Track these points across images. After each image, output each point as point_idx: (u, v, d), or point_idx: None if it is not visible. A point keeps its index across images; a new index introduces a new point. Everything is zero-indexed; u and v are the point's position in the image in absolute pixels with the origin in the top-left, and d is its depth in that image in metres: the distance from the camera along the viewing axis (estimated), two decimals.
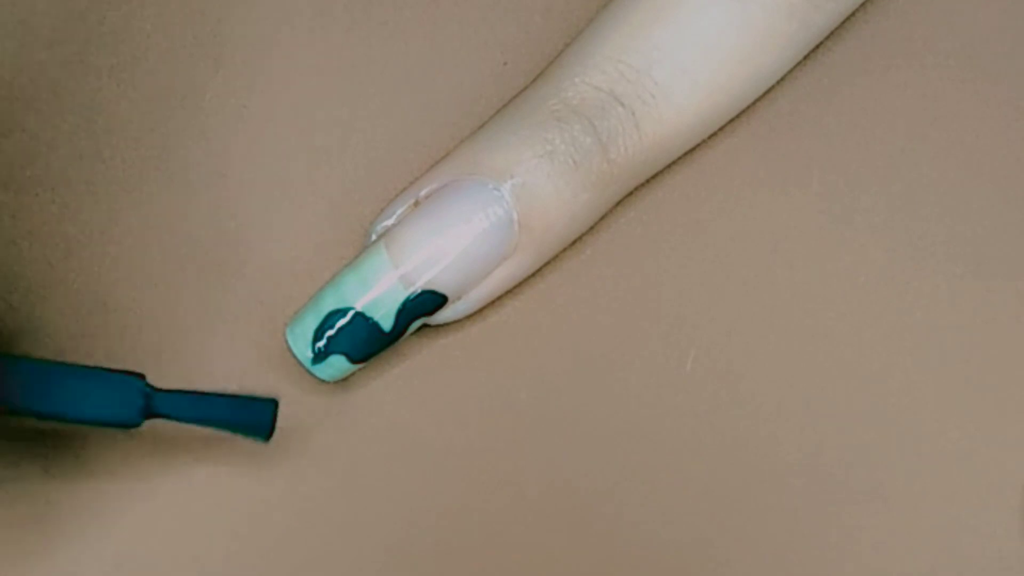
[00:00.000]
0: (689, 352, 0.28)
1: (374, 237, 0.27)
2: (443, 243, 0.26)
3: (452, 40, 0.30)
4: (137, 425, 0.24)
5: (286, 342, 0.26)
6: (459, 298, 0.27)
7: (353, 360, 0.26)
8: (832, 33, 0.29)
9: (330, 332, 0.26)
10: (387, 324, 0.26)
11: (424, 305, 0.26)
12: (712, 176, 0.29)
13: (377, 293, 0.26)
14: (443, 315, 0.27)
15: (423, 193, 0.27)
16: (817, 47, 0.29)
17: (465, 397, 0.28)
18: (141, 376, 0.24)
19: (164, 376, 0.26)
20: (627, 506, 0.27)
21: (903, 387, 0.28)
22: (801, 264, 0.28)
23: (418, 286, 0.26)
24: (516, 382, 0.28)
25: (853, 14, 0.29)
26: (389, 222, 0.27)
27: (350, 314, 0.26)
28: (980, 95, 0.29)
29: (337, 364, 0.26)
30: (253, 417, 0.25)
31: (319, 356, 0.26)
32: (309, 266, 0.28)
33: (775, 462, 0.27)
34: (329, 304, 0.26)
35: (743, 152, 0.29)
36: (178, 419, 0.25)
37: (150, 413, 0.24)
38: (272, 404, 0.25)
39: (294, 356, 0.26)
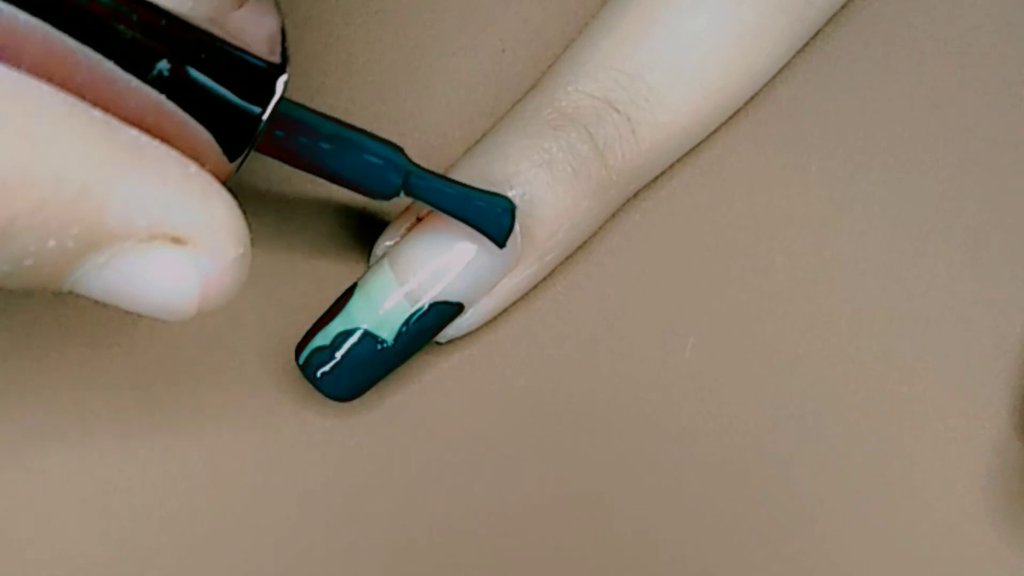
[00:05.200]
0: (688, 339, 0.29)
1: (379, 254, 0.27)
2: (447, 259, 0.27)
3: (450, 28, 0.30)
4: (390, 198, 0.25)
5: (296, 363, 0.27)
6: (464, 312, 0.27)
7: (363, 379, 0.27)
8: (831, 20, 0.29)
9: (339, 352, 0.27)
10: (395, 342, 0.27)
11: (430, 321, 0.27)
12: (711, 163, 0.29)
13: (384, 312, 0.27)
14: (448, 332, 0.27)
15: (425, 210, 0.27)
16: (816, 34, 0.29)
17: (465, 384, 0.28)
18: (400, 149, 0.25)
19: (168, 387, 0.27)
20: (627, 492, 0.28)
21: (903, 374, 0.28)
22: (800, 251, 0.29)
23: (423, 302, 0.27)
24: (515, 368, 0.29)
25: (851, 1, 0.29)
26: (392, 241, 0.27)
27: (358, 334, 0.27)
28: (978, 81, 0.29)
29: (347, 384, 0.27)
30: (495, 218, 0.26)
31: (328, 376, 0.27)
32: (309, 266, 0.28)
33: (774, 448, 0.28)
34: (337, 325, 0.27)
35: (742, 139, 0.29)
36: (428, 202, 0.25)
37: (405, 191, 0.25)
38: (512, 207, 0.26)
39: (304, 376, 0.27)
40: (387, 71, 0.29)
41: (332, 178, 0.24)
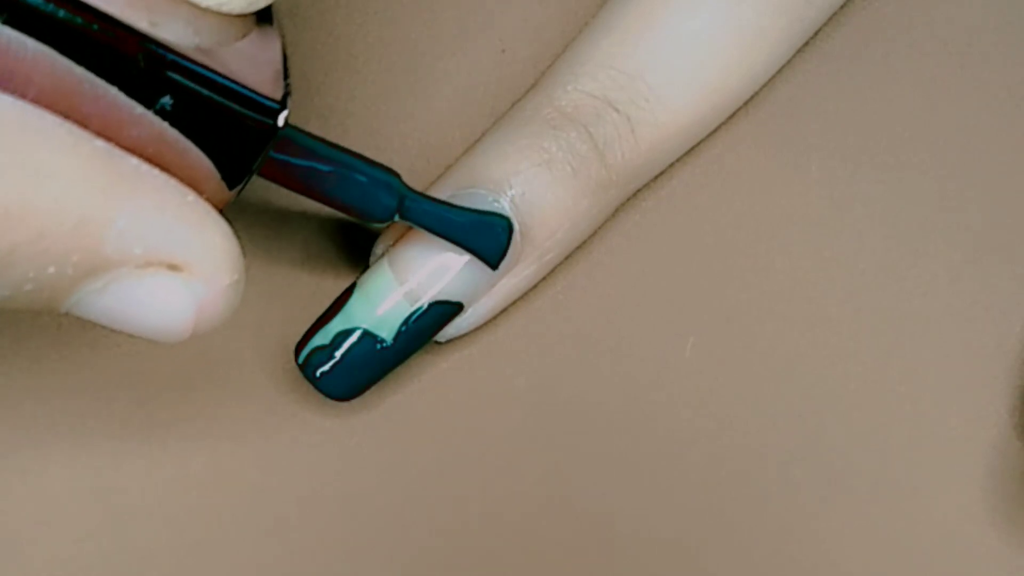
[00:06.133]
0: (688, 338, 0.29)
1: (379, 253, 0.27)
2: (446, 258, 0.27)
3: (450, 28, 0.30)
4: (385, 222, 0.25)
5: (296, 362, 0.27)
6: (464, 312, 0.27)
7: (363, 378, 0.27)
8: (831, 19, 0.29)
9: (338, 352, 0.27)
10: (394, 342, 0.27)
11: (429, 320, 0.27)
12: (711, 162, 0.29)
13: (383, 311, 0.27)
14: (447, 331, 0.27)
15: None
16: (816, 33, 0.29)
17: (465, 384, 0.28)
18: (397, 174, 0.25)
19: (167, 386, 0.28)
20: (626, 492, 0.28)
21: (903, 374, 0.28)
22: (800, 250, 0.29)
23: (423, 301, 0.27)
24: (515, 368, 0.29)
25: (851, 1, 0.29)
26: (391, 241, 0.27)
27: (357, 333, 0.27)
28: (978, 81, 0.29)
29: (346, 383, 0.27)
30: (489, 240, 0.26)
31: (328, 375, 0.27)
32: (309, 265, 0.29)
33: (774, 448, 0.28)
34: (336, 324, 0.27)
35: (742, 138, 0.29)
36: (423, 226, 0.26)
37: (400, 214, 0.25)
38: (508, 228, 0.26)
39: (303, 376, 0.27)
40: (387, 71, 0.30)
41: (328, 201, 0.25)
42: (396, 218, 0.25)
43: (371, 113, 0.29)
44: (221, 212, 0.21)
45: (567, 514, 0.28)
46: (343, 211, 0.25)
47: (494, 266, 0.26)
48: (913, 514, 0.28)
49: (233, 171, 0.22)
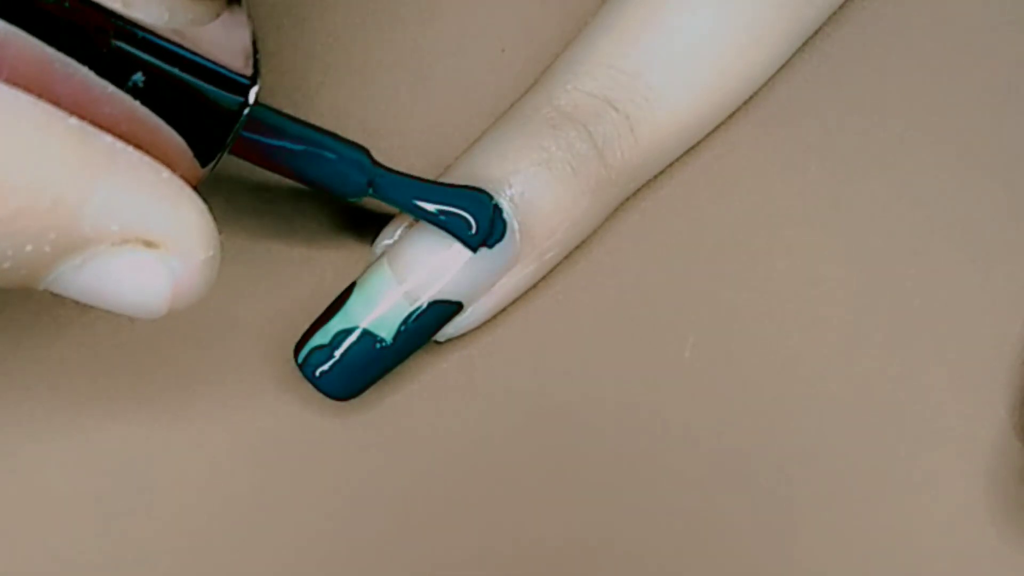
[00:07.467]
0: (687, 339, 0.29)
1: (378, 252, 0.27)
2: (445, 258, 0.27)
3: (450, 28, 0.30)
4: (359, 198, 0.26)
5: (295, 362, 0.27)
6: (464, 311, 0.27)
7: (362, 378, 0.27)
8: (830, 19, 0.29)
9: (338, 351, 0.27)
10: (394, 341, 0.27)
11: (428, 319, 0.27)
12: (710, 163, 0.29)
13: (383, 310, 0.27)
14: (447, 331, 0.27)
15: None
16: (816, 33, 0.29)
17: (465, 384, 0.28)
18: (366, 151, 0.26)
19: (167, 386, 0.28)
20: (626, 492, 0.28)
21: (903, 374, 0.28)
22: (799, 250, 0.29)
23: (422, 301, 0.27)
24: (515, 368, 0.29)
25: (851, 0, 0.29)
26: (391, 240, 0.27)
27: (356, 332, 0.27)
28: (978, 81, 0.29)
29: (346, 382, 0.27)
30: (469, 222, 0.26)
31: (327, 375, 0.27)
32: (308, 264, 0.29)
33: (773, 449, 0.28)
34: (336, 323, 0.27)
35: (741, 138, 0.29)
36: (395, 204, 0.26)
37: (373, 191, 0.26)
38: (490, 202, 0.26)
39: (303, 375, 0.27)
40: (387, 71, 0.30)
41: (299, 179, 0.25)
42: (371, 192, 0.26)
43: (371, 113, 0.29)
44: (196, 189, 0.21)
45: (566, 514, 0.28)
46: (317, 188, 0.25)
47: (473, 248, 0.26)
48: (913, 514, 0.28)
49: (206, 148, 0.22)
